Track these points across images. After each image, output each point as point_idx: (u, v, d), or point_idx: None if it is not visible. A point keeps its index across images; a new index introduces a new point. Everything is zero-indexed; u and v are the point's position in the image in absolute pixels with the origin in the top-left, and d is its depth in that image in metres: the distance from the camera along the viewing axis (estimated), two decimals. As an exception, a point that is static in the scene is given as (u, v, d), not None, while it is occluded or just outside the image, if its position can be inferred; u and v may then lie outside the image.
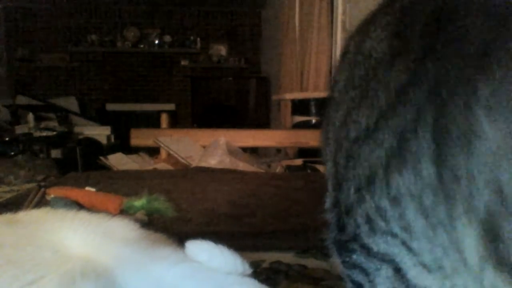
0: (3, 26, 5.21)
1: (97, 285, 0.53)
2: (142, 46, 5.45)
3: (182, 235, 0.73)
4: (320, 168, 2.12)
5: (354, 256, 0.40)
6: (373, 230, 0.37)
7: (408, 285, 0.35)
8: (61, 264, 0.54)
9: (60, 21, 5.33)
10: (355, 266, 0.40)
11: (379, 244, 0.36)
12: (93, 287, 0.53)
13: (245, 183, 1.64)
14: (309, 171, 2.13)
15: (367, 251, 0.38)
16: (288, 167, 2.28)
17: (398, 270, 0.36)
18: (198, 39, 5.51)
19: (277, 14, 4.15)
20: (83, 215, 0.71)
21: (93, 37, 5.35)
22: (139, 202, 1.15)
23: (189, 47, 5.50)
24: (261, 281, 0.63)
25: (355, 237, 0.39)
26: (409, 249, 0.35)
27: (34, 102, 4.47)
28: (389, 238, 0.35)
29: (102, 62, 5.47)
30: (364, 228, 0.37)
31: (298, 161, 2.41)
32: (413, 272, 0.35)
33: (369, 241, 0.37)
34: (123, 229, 0.69)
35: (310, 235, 1.02)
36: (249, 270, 0.65)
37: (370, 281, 0.38)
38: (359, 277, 0.40)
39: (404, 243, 0.35)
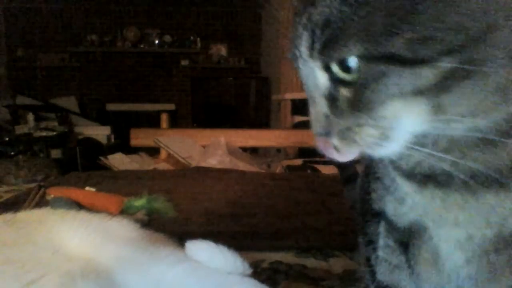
0: (3, 26, 5.21)
1: (97, 285, 0.53)
2: (142, 46, 5.45)
3: (182, 235, 0.73)
4: (320, 168, 2.12)
5: None
6: None
7: None
8: (61, 264, 0.55)
9: (60, 21, 5.33)
10: None
11: None
12: (93, 287, 0.53)
13: (245, 183, 1.64)
14: (309, 171, 2.13)
15: None
16: (288, 167, 2.28)
17: None
18: (198, 39, 5.51)
19: (277, 14, 4.15)
20: (83, 215, 0.71)
21: (93, 37, 5.35)
22: (139, 202, 1.15)
23: (189, 47, 5.50)
24: (261, 281, 0.63)
25: None
26: None
27: (34, 102, 4.47)
28: None
29: (102, 62, 5.46)
30: None
31: (298, 161, 2.41)
32: None
33: None
34: (123, 229, 0.69)
35: (310, 235, 1.02)
36: (249, 270, 0.65)
37: None
38: None
39: None
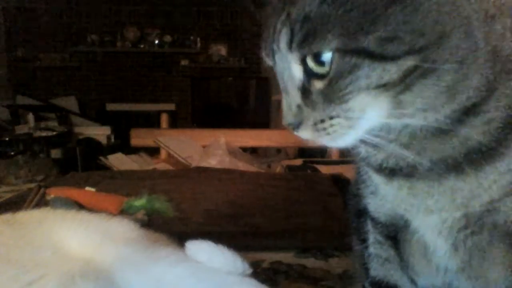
0: (3, 26, 5.20)
1: (97, 285, 0.53)
2: (142, 46, 5.45)
3: (182, 235, 0.73)
4: (320, 168, 2.12)
5: None
6: None
7: None
8: (61, 264, 0.55)
9: (60, 21, 5.32)
10: None
11: None
12: (93, 287, 0.53)
13: (245, 183, 1.64)
14: (309, 171, 2.13)
15: None
16: (288, 167, 2.28)
17: None
18: (198, 39, 5.51)
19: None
20: (83, 215, 0.71)
21: (93, 37, 5.35)
22: (139, 202, 1.15)
23: (189, 47, 5.50)
24: (261, 281, 0.63)
25: None
26: None
27: (34, 102, 4.47)
28: None
29: (102, 62, 5.46)
30: None
31: (298, 161, 2.41)
32: None
33: None
34: (123, 229, 0.69)
35: (310, 235, 1.02)
36: (249, 270, 0.65)
37: None
38: None
39: None
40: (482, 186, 0.46)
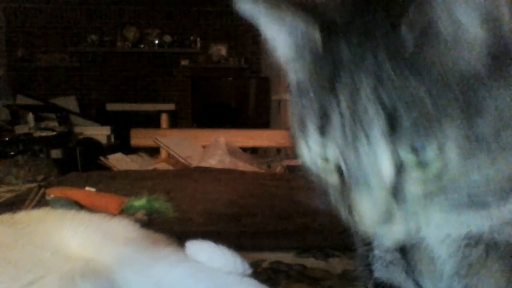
0: (3, 26, 5.20)
1: (97, 285, 0.53)
2: (142, 46, 5.45)
3: (182, 235, 0.73)
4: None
5: None
6: None
7: None
8: (61, 264, 0.54)
9: (60, 21, 5.32)
10: None
11: None
12: (93, 287, 0.53)
13: (245, 183, 1.64)
14: (309, 171, 2.12)
15: None
16: (288, 167, 2.28)
17: None
18: (198, 39, 5.51)
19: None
20: (83, 215, 0.71)
21: (93, 37, 5.34)
22: (139, 202, 1.15)
23: (189, 47, 5.50)
24: (261, 281, 0.63)
25: None
26: None
27: (34, 102, 4.46)
28: None
29: (102, 62, 5.46)
30: None
31: (298, 161, 2.41)
32: None
33: None
34: (123, 229, 0.69)
35: (310, 235, 1.02)
36: (249, 270, 0.65)
37: None
38: None
39: None
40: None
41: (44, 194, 1.25)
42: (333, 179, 0.44)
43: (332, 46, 0.40)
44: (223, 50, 5.57)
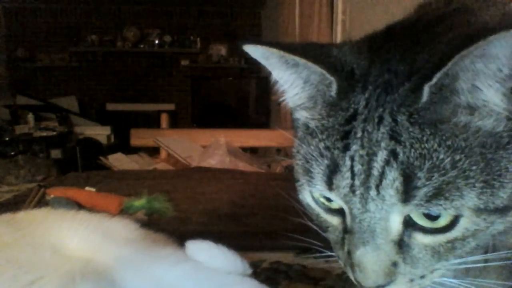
0: (3, 26, 5.20)
1: (97, 285, 0.53)
2: (142, 46, 5.45)
3: (182, 235, 0.73)
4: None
5: None
6: None
7: None
8: (61, 264, 0.54)
9: (60, 21, 5.32)
10: None
11: None
12: (93, 287, 0.53)
13: (245, 183, 1.64)
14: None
15: None
16: (288, 167, 2.27)
17: None
18: (198, 39, 5.51)
19: (277, 14, 4.15)
20: (83, 215, 0.71)
21: (93, 37, 5.34)
22: (139, 202, 1.15)
23: (189, 47, 5.50)
24: (261, 281, 0.63)
25: None
26: None
27: (34, 102, 4.47)
28: None
29: (102, 62, 5.46)
30: None
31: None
32: None
33: None
34: (123, 229, 0.69)
35: (310, 235, 1.02)
36: (249, 270, 0.65)
37: None
38: None
39: None
40: None
41: (44, 194, 1.25)
42: (334, 220, 0.43)
43: (348, 94, 0.39)
44: (223, 50, 5.57)
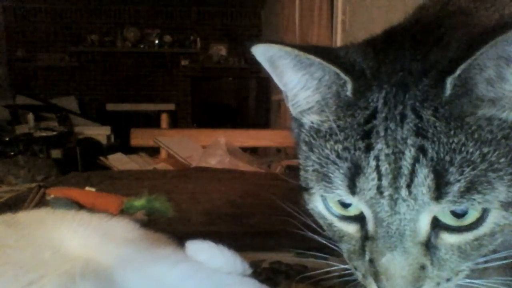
0: (3, 26, 5.20)
1: (97, 285, 0.53)
2: (142, 46, 5.45)
3: (182, 235, 0.73)
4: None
5: None
6: None
7: None
8: (61, 264, 0.54)
9: (60, 21, 5.32)
10: None
11: None
12: (93, 287, 0.53)
13: (245, 183, 1.64)
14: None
15: None
16: (288, 167, 2.27)
17: None
18: (198, 39, 5.51)
19: (277, 14, 4.15)
20: (83, 215, 0.71)
21: (93, 37, 5.35)
22: (139, 202, 1.15)
23: (189, 47, 5.50)
24: (261, 281, 0.63)
25: None
26: None
27: (34, 102, 4.47)
28: None
29: (102, 62, 5.46)
30: None
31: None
32: None
33: None
34: (123, 229, 0.69)
35: (310, 235, 1.02)
36: (249, 270, 0.65)
37: None
38: None
39: None
40: None
41: (44, 194, 1.25)
42: (350, 229, 0.42)
43: (365, 93, 0.38)
44: (223, 50, 5.58)
